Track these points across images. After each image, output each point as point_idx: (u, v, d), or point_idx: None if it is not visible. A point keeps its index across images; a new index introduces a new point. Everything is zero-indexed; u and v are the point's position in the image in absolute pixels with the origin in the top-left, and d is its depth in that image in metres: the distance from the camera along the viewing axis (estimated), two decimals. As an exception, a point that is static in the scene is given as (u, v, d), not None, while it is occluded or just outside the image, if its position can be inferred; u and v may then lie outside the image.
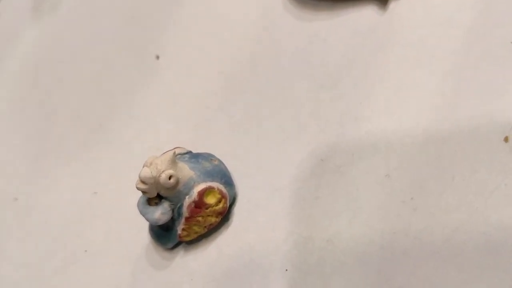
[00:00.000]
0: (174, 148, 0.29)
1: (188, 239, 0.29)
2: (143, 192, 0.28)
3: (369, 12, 0.32)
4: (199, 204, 0.28)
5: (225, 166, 0.29)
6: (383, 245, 0.26)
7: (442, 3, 0.31)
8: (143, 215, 0.28)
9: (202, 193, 0.28)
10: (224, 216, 0.29)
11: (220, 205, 0.28)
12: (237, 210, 0.29)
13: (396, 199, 0.27)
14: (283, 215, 0.28)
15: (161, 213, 0.28)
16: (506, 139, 0.27)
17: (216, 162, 0.29)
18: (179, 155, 0.29)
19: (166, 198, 0.28)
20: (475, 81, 0.29)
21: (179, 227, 0.28)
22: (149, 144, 0.33)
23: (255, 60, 0.33)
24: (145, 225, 0.30)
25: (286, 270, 0.27)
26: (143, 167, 0.27)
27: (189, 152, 0.30)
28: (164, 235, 0.29)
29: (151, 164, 0.27)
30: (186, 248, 0.29)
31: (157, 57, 0.33)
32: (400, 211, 0.27)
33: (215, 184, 0.28)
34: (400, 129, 0.29)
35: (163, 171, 0.27)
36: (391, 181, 0.28)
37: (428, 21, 0.31)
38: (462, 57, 0.29)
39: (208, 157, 0.29)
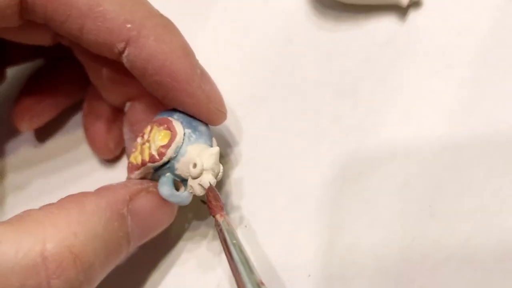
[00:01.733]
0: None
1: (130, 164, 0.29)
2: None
3: (388, 22, 0.32)
4: (142, 132, 0.29)
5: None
6: (402, 250, 0.28)
7: (461, 12, 0.31)
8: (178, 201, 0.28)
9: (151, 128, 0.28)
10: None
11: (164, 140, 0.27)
12: (259, 216, 0.30)
13: (414, 206, 0.28)
14: (305, 222, 0.29)
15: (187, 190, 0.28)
16: (521, 147, 0.27)
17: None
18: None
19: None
20: (492, 90, 0.29)
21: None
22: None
23: (277, 68, 0.34)
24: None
25: (309, 275, 0.28)
26: (199, 170, 0.27)
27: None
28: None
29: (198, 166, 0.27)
30: (211, 254, 0.31)
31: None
32: (418, 217, 0.28)
33: (172, 124, 0.28)
34: (418, 137, 0.30)
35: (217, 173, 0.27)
36: (410, 187, 0.29)
37: (447, 30, 0.31)
38: (480, 66, 0.30)
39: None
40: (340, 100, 0.32)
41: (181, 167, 0.27)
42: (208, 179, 0.27)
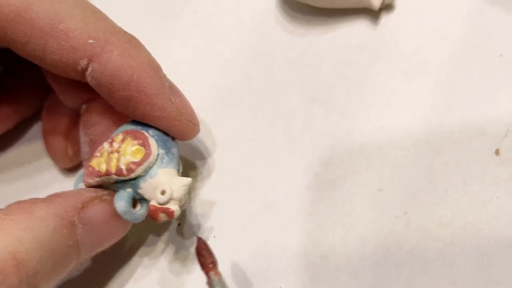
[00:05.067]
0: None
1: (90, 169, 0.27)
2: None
3: (361, 26, 0.32)
4: (112, 139, 0.27)
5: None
6: (376, 260, 0.27)
7: (434, 15, 0.31)
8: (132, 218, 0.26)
9: (123, 139, 0.27)
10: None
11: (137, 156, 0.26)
12: (229, 225, 0.29)
13: (389, 213, 0.27)
14: (277, 231, 0.28)
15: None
16: (497, 152, 0.27)
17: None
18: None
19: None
20: (466, 93, 0.29)
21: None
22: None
23: (247, 74, 0.33)
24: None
25: (280, 287, 0.27)
26: (167, 199, 0.26)
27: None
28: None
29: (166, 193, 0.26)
30: (168, 271, 0.29)
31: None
32: (393, 225, 0.27)
33: (147, 140, 0.27)
34: (393, 142, 0.29)
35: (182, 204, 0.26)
36: (385, 194, 0.28)
37: (420, 33, 0.31)
38: (453, 69, 0.30)
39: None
40: (312, 105, 0.31)
41: (147, 188, 0.26)
42: (174, 209, 0.26)
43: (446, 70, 0.30)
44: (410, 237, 0.27)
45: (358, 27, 0.32)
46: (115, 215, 0.26)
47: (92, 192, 0.26)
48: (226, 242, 0.29)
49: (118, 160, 0.26)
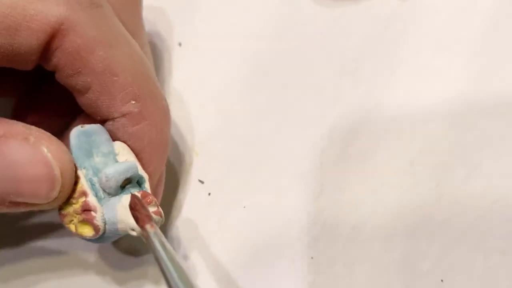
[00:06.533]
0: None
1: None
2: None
3: (391, -2, 0.31)
4: None
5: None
6: (408, 231, 0.26)
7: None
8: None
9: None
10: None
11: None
12: (261, 195, 0.29)
13: (421, 185, 0.27)
14: (307, 202, 0.28)
15: None
16: None
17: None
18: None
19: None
20: (498, 66, 0.28)
21: None
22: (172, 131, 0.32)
23: (276, 46, 0.32)
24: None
25: (312, 258, 0.27)
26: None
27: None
28: None
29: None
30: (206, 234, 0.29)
31: (180, 44, 0.33)
32: (425, 197, 0.27)
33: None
34: (423, 115, 0.29)
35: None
36: (416, 166, 0.27)
37: (451, 6, 0.30)
38: (485, 41, 0.29)
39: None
40: (341, 78, 0.30)
41: (120, 227, 0.24)
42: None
43: (477, 42, 0.29)
44: (442, 209, 0.26)
45: (388, -1, 0.31)
46: (42, 166, 0.23)
47: (25, 129, 0.24)
48: (257, 212, 0.28)
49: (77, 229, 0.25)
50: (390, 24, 0.31)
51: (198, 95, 0.32)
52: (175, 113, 0.31)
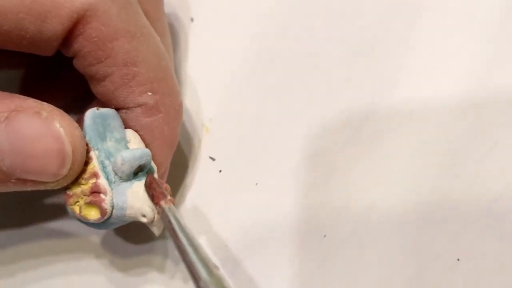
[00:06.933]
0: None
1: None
2: None
3: (406, -24, 0.31)
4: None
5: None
6: (421, 213, 0.26)
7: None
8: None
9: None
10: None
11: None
12: (269, 175, 0.29)
13: (434, 167, 0.27)
14: (318, 183, 0.28)
15: None
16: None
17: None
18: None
19: None
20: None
21: None
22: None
23: (287, 24, 0.32)
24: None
25: (325, 236, 0.26)
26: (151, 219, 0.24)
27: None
28: None
29: None
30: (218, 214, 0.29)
31: (192, 20, 0.32)
32: (439, 179, 0.26)
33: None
34: (438, 96, 0.28)
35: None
36: (429, 148, 0.27)
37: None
38: (502, 22, 0.29)
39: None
40: (354, 59, 0.30)
41: (129, 213, 0.24)
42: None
43: (493, 25, 0.29)
44: (456, 192, 0.26)
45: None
46: (47, 138, 0.23)
47: (37, 104, 0.23)
48: (270, 192, 0.28)
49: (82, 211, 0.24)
50: (404, 4, 0.30)
51: (209, 70, 0.31)
52: (186, 89, 0.31)
